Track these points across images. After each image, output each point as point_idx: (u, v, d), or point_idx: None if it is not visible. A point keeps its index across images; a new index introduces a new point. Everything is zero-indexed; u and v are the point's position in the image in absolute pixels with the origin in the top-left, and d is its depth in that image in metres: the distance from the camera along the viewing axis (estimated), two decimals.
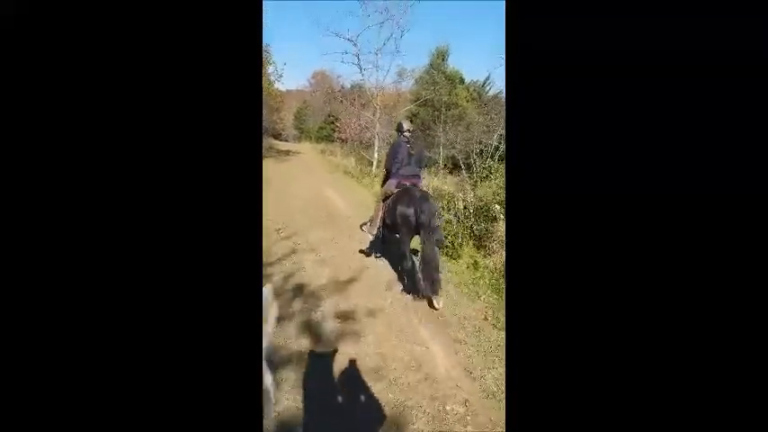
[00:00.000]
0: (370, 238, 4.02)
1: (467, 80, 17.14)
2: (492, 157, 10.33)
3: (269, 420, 0.56)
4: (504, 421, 1.68)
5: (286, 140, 30.36)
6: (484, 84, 17.19)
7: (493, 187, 5.67)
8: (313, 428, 1.82)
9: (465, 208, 5.04)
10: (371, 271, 3.93)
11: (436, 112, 15.36)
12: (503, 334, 2.72)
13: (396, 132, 3.92)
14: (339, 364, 2.34)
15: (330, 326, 2.78)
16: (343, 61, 13.22)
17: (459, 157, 12.12)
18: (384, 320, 2.88)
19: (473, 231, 4.59)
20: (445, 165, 13.55)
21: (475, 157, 11.13)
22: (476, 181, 7.85)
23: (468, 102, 15.61)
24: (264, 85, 15.39)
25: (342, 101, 15.62)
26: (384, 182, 3.83)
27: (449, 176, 10.86)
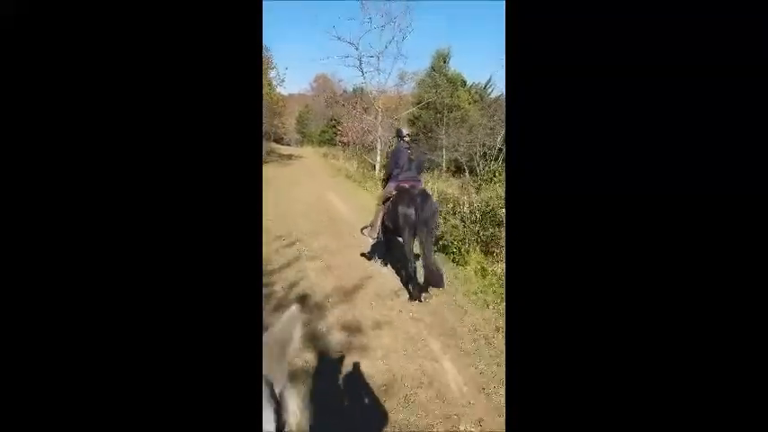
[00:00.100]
0: (371, 241, 4.04)
1: (468, 82, 17.07)
2: (496, 159, 10.27)
3: None
4: None
5: (288, 144, 30.41)
6: (486, 86, 17.13)
7: (497, 190, 5.58)
8: None
9: (471, 212, 4.94)
10: (377, 278, 3.85)
11: (438, 115, 15.29)
12: None
13: (395, 138, 3.96)
14: (347, 379, 2.24)
15: (336, 338, 2.69)
16: (345, 65, 13.07)
17: (463, 160, 12.06)
18: (392, 332, 2.79)
19: (480, 236, 4.48)
20: (448, 168, 13.48)
21: (478, 159, 11.05)
22: (479, 184, 7.77)
23: (470, 104, 15.52)
24: (267, 89, 15.38)
25: (344, 104, 15.55)
26: (384, 186, 3.87)
27: (451, 179, 10.76)
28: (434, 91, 14.87)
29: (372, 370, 2.33)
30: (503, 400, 2.10)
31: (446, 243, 4.55)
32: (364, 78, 12.98)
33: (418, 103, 15.09)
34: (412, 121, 15.10)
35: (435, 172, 11.83)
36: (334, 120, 20.27)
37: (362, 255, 4.49)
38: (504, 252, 4.06)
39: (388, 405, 2.03)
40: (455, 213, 5.15)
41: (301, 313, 0.62)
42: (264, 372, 0.51)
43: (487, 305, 3.26)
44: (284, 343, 0.55)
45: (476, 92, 16.59)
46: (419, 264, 3.31)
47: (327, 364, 2.38)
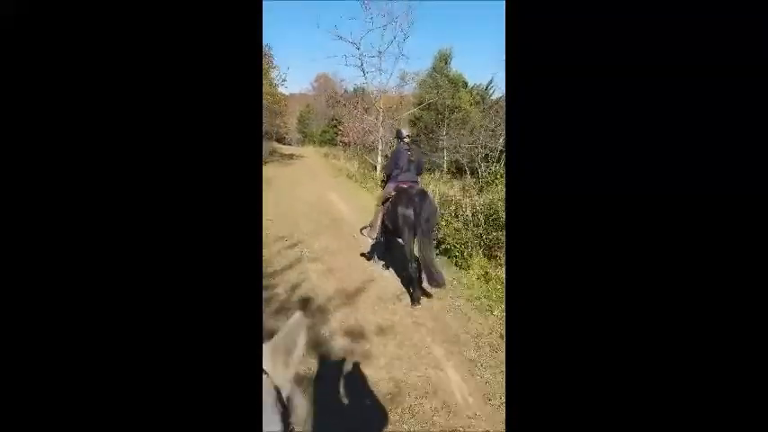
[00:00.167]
0: (371, 241, 4.06)
1: (470, 83, 17.02)
2: (498, 161, 10.22)
3: None
4: None
5: (289, 144, 30.41)
6: (487, 87, 17.07)
7: (500, 193, 5.53)
8: None
9: (474, 215, 4.89)
10: (378, 281, 3.81)
11: (439, 116, 15.24)
12: None
13: (395, 139, 3.99)
14: (352, 388, 2.20)
15: (339, 343, 2.65)
16: (346, 64, 12.96)
17: (464, 162, 12.02)
18: (395, 339, 2.75)
19: (483, 240, 4.44)
20: (449, 169, 13.44)
21: (480, 161, 11.01)
22: (481, 186, 7.73)
23: (471, 105, 15.47)
24: (268, 88, 15.34)
25: (345, 104, 15.48)
26: (383, 186, 3.88)
27: (452, 181, 10.71)
28: (436, 92, 14.80)
29: (376, 378, 2.29)
30: None
31: (448, 247, 4.50)
32: (366, 78, 12.91)
33: (419, 104, 15.03)
34: (413, 122, 15.06)
35: (436, 173, 11.79)
36: (336, 120, 20.24)
37: (362, 255, 4.50)
38: None
39: (393, 416, 1.99)
40: (457, 216, 5.11)
41: (306, 318, 0.61)
42: (271, 377, 0.50)
43: (491, 311, 3.22)
44: (289, 349, 0.55)
45: (477, 93, 16.54)
46: (419, 264, 3.29)
47: (331, 371, 2.34)
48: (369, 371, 2.35)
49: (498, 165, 9.25)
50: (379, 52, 12.25)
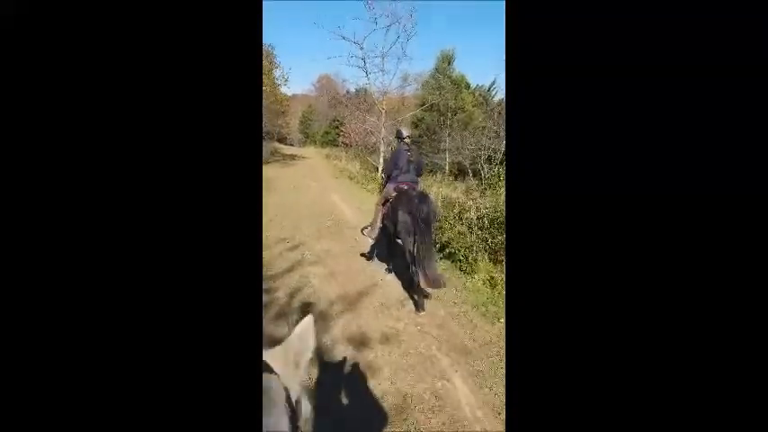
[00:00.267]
0: (371, 241, 4.08)
1: (473, 85, 16.93)
2: (501, 163, 10.12)
3: None
4: None
5: (291, 144, 30.39)
6: (489, 88, 16.98)
7: (503, 195, 5.43)
8: None
9: (479, 218, 4.79)
10: (381, 285, 3.72)
11: (442, 117, 15.15)
12: None
13: (395, 139, 4.02)
14: (358, 401, 2.11)
15: (341, 352, 2.55)
16: (349, 64, 12.79)
17: (466, 163, 11.92)
18: (400, 347, 2.65)
19: (488, 244, 4.34)
20: (451, 171, 13.35)
21: (482, 163, 10.91)
22: (484, 188, 7.62)
23: (474, 107, 15.38)
24: (270, 89, 15.28)
25: (347, 105, 15.39)
26: (383, 186, 3.86)
27: (455, 183, 10.61)
28: (438, 93, 14.70)
29: (381, 390, 2.19)
30: None
31: (452, 251, 4.41)
32: (368, 79, 12.79)
33: (422, 105, 14.92)
34: (415, 124, 14.98)
35: (438, 175, 11.70)
36: (337, 120, 20.17)
37: (362, 255, 4.48)
38: None
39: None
40: (461, 219, 5.01)
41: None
42: (281, 379, 0.50)
43: (498, 318, 3.12)
44: (300, 352, 0.55)
45: (479, 94, 16.45)
46: (419, 267, 3.21)
47: (334, 381, 2.25)
48: (373, 382, 2.26)
49: (501, 167, 9.15)
50: (383, 53, 12.14)
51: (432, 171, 12.44)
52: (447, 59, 16.23)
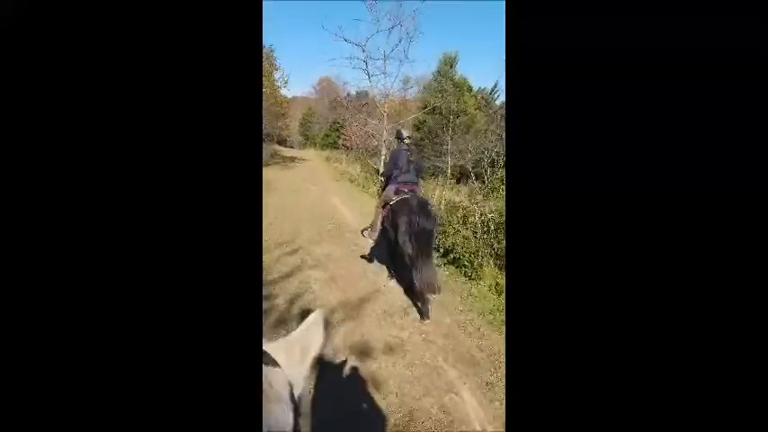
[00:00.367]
0: (371, 243, 4.06)
1: (475, 87, 16.86)
2: (504, 166, 10.02)
3: None
4: None
5: (291, 147, 30.34)
6: (492, 91, 16.92)
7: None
8: None
9: (483, 223, 4.68)
10: (384, 292, 3.61)
11: (444, 120, 15.07)
12: None
13: (395, 140, 4.04)
14: (361, 416, 1.99)
15: (344, 362, 2.43)
16: (351, 66, 12.61)
17: (469, 167, 11.82)
18: (405, 358, 2.53)
19: (494, 249, 4.22)
20: (453, 174, 13.25)
21: (486, 166, 10.80)
22: (487, 191, 7.51)
23: (476, 109, 15.31)
24: (270, 90, 15.21)
25: (347, 107, 15.29)
26: (383, 188, 3.83)
27: (457, 186, 10.50)
28: (440, 95, 14.61)
29: (385, 404, 2.07)
30: None
31: (457, 256, 4.30)
32: (370, 81, 12.67)
33: (424, 108, 14.82)
34: (417, 126, 14.89)
35: (440, 178, 11.58)
36: (338, 123, 20.11)
37: (362, 257, 4.44)
38: None
39: None
40: (465, 224, 4.89)
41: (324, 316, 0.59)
42: (286, 373, 0.49)
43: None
44: (306, 347, 0.53)
45: (482, 97, 16.38)
46: (418, 274, 3.12)
47: (336, 393, 2.13)
48: (377, 396, 2.14)
49: (504, 170, 9.05)
50: (385, 55, 12.04)
51: (433, 174, 12.33)
52: (449, 62, 16.16)
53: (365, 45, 11.99)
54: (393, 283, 3.79)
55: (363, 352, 2.56)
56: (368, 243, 4.18)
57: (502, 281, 3.74)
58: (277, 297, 3.33)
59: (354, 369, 2.38)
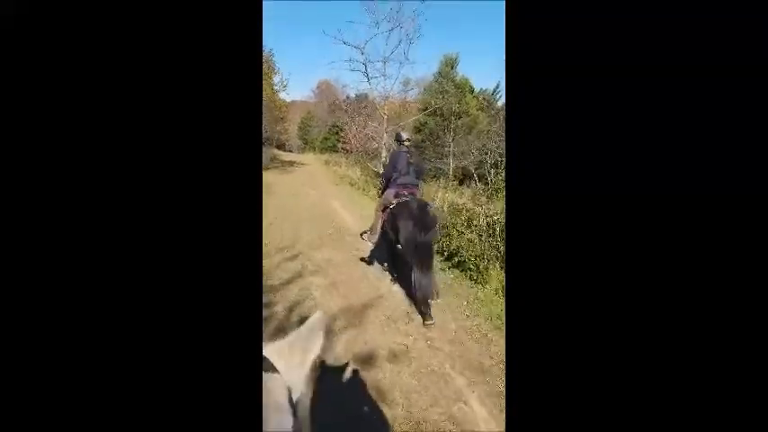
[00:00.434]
0: (371, 245, 4.02)
1: (476, 88, 16.80)
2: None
3: None
4: None
5: (290, 151, 30.34)
6: (494, 92, 16.85)
7: None
8: None
9: (489, 225, 4.57)
10: (386, 296, 3.50)
11: (445, 122, 14.99)
12: None
13: (395, 142, 4.00)
14: (363, 422, 1.88)
15: (346, 371, 2.33)
16: (351, 69, 12.55)
17: (472, 168, 11.74)
18: (410, 366, 2.42)
19: (500, 252, 4.12)
20: (455, 176, 13.17)
21: (489, 167, 10.72)
22: (490, 193, 7.42)
23: (478, 110, 15.24)
24: (269, 94, 15.16)
25: (346, 110, 15.21)
26: (383, 190, 3.77)
27: (460, 188, 10.41)
28: (441, 97, 14.54)
29: (392, 417, 1.96)
30: None
31: (462, 259, 4.19)
32: (370, 84, 12.60)
33: (425, 109, 14.74)
34: (418, 128, 14.82)
35: (442, 180, 11.49)
36: (337, 126, 20.06)
37: (362, 259, 4.37)
38: None
39: None
40: (470, 226, 4.79)
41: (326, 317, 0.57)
42: (285, 378, 0.48)
43: None
44: (306, 349, 0.53)
45: (483, 98, 16.31)
46: (416, 280, 3.06)
47: (338, 404, 2.02)
48: (383, 408, 2.03)
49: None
50: (384, 57, 11.97)
51: (435, 176, 12.24)
52: (450, 63, 16.11)
53: (364, 47, 11.95)
54: (396, 288, 3.69)
55: (367, 361, 2.46)
56: (368, 247, 4.14)
57: None
58: (277, 304, 3.23)
59: (355, 372, 2.28)
